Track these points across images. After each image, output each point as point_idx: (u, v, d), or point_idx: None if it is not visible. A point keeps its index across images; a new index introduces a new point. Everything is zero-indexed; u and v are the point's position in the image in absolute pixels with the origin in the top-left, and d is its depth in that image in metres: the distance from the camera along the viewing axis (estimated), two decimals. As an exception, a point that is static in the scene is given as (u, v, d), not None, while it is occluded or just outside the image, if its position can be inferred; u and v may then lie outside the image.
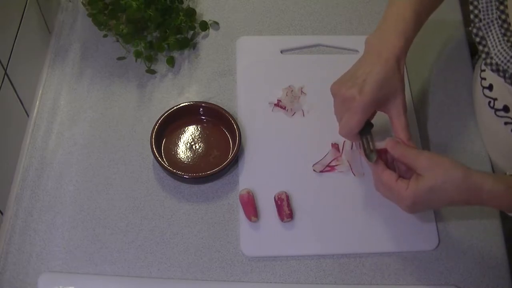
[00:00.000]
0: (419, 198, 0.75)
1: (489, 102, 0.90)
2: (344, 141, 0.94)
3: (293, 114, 0.98)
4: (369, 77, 0.80)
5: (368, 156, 0.82)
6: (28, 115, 0.96)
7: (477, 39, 0.79)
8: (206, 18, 1.09)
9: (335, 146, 0.94)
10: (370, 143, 0.83)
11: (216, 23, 1.09)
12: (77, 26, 1.07)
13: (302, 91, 1.00)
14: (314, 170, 0.92)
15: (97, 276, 0.82)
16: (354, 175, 0.92)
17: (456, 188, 0.74)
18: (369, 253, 0.85)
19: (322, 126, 0.96)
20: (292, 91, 0.99)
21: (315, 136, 0.95)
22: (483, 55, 0.79)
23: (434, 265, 0.85)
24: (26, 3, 0.94)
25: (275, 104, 0.98)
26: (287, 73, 1.02)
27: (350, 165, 0.92)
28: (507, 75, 0.75)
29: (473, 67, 1.04)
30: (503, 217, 0.89)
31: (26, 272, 0.82)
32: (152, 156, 0.91)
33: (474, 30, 0.79)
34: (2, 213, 0.86)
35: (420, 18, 0.85)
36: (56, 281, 0.81)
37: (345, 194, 0.90)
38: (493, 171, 0.93)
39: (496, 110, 0.88)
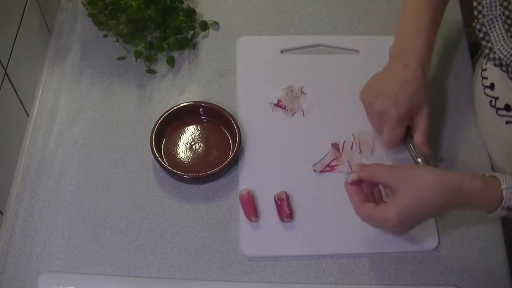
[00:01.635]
0: (403, 215, 0.74)
1: (491, 101, 0.90)
2: (344, 141, 0.94)
3: (293, 114, 0.98)
4: (402, 91, 0.86)
5: (416, 163, 0.87)
6: (28, 115, 0.96)
7: (480, 35, 0.79)
8: (206, 18, 1.09)
9: (335, 146, 0.94)
10: (415, 150, 0.88)
11: (216, 23, 1.09)
12: (77, 26, 1.07)
13: (302, 91, 1.00)
14: (314, 170, 0.92)
15: (97, 276, 0.82)
16: (354, 175, 0.92)
17: (435, 192, 0.73)
18: (369, 253, 0.85)
19: (322, 126, 0.96)
20: (292, 91, 0.99)
21: (315, 136, 0.95)
22: (486, 50, 0.79)
23: (434, 265, 0.85)
24: (26, 3, 0.94)
25: (275, 104, 0.98)
26: (287, 73, 1.02)
27: (350, 165, 0.92)
28: (510, 69, 0.75)
29: (473, 67, 1.04)
30: (503, 217, 0.89)
31: (26, 272, 0.82)
32: (152, 156, 0.91)
33: (478, 26, 0.80)
34: (2, 213, 0.87)
35: (437, 24, 0.90)
36: (56, 281, 0.81)
37: (345, 194, 0.89)
38: (493, 170, 0.93)
39: (498, 109, 0.88)
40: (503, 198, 0.72)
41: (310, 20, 1.10)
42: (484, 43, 0.79)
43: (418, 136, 0.88)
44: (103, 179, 0.91)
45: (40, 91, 0.99)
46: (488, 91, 0.90)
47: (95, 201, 0.89)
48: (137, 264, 0.84)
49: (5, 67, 0.86)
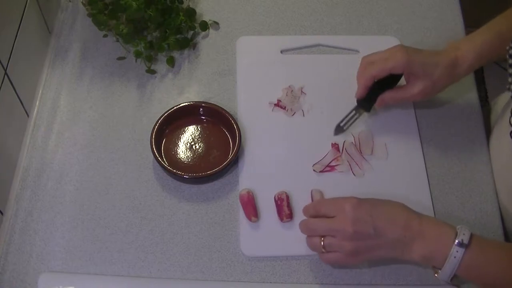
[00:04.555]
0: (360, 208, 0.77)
1: (511, 132, 0.86)
2: (344, 141, 0.94)
3: (293, 114, 0.98)
4: (424, 52, 0.88)
5: (336, 129, 0.95)
6: (28, 115, 0.96)
7: (510, 61, 0.79)
8: (206, 18, 1.09)
9: (335, 146, 0.94)
10: (351, 120, 0.95)
11: (216, 23, 1.09)
12: (77, 26, 1.07)
13: (302, 91, 1.00)
14: (314, 170, 0.92)
15: (97, 276, 0.82)
16: (354, 175, 0.92)
17: (364, 211, 0.77)
18: (369, 253, 0.85)
19: (322, 126, 0.96)
20: (292, 91, 0.99)
21: (315, 136, 0.95)
22: (510, 79, 0.79)
23: (434, 265, 0.85)
24: (26, 3, 0.94)
25: (275, 104, 0.98)
26: (287, 73, 1.02)
27: (350, 165, 0.92)
28: None
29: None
30: (503, 217, 0.89)
31: (26, 272, 0.82)
32: (152, 156, 0.91)
33: (511, 51, 0.79)
34: (2, 213, 0.87)
35: (502, 43, 0.86)
36: (56, 281, 0.81)
37: (345, 194, 0.89)
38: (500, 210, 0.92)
39: None
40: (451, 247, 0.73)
41: (310, 20, 1.10)
42: (511, 70, 0.78)
43: (388, 94, 0.91)
44: (103, 179, 0.91)
45: (40, 91, 0.99)
46: None
47: (95, 201, 0.89)
48: (137, 264, 0.84)
49: (5, 67, 0.86)
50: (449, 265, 0.73)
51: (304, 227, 0.81)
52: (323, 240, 0.78)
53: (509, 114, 0.86)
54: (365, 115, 0.96)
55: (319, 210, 0.81)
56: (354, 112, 0.95)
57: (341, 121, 0.95)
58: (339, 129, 0.95)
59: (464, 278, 0.76)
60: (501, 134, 0.91)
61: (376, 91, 0.91)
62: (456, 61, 0.87)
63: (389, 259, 0.79)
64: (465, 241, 0.73)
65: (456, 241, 0.73)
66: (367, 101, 0.93)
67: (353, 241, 0.76)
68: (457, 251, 0.72)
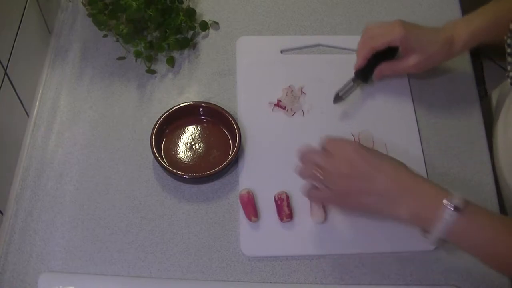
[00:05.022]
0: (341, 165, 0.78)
1: None
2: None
3: (293, 114, 0.98)
4: (422, 27, 0.94)
5: (335, 98, 0.97)
6: (28, 115, 0.96)
7: (508, 50, 0.81)
8: (206, 18, 1.09)
9: (335, 146, 0.94)
10: (349, 91, 0.97)
11: (216, 23, 1.09)
12: (77, 26, 1.07)
13: (302, 91, 1.00)
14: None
15: (97, 276, 0.82)
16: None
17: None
18: (369, 253, 0.85)
19: (322, 126, 0.96)
20: (292, 91, 0.99)
21: (315, 136, 0.95)
22: (509, 67, 0.81)
23: (434, 265, 0.85)
24: (26, 3, 0.94)
25: (275, 104, 0.98)
26: (287, 73, 1.02)
27: (350, 165, 0.92)
28: None
29: (474, 67, 1.04)
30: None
31: (26, 272, 0.82)
32: (152, 156, 0.91)
33: (508, 41, 0.82)
34: (2, 213, 0.87)
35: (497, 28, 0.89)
36: (56, 281, 0.81)
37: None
38: (499, 192, 0.93)
39: None
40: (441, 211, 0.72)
41: (310, 20, 1.10)
42: (510, 59, 0.80)
43: (385, 65, 0.96)
44: (103, 179, 0.91)
45: (40, 91, 0.99)
46: None
47: (95, 201, 0.89)
48: (137, 264, 0.84)
49: (5, 67, 0.86)
50: (440, 228, 0.72)
51: (302, 154, 0.83)
52: (317, 171, 0.79)
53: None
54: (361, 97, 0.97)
55: (322, 144, 0.82)
56: (352, 83, 0.98)
57: (340, 91, 0.97)
58: (338, 98, 0.97)
59: (452, 243, 0.74)
60: (508, 125, 0.92)
61: (374, 64, 0.97)
62: (451, 40, 0.92)
63: (378, 214, 0.81)
64: (459, 206, 0.71)
65: (450, 204, 0.71)
66: (366, 72, 0.97)
67: (345, 180, 0.77)
68: (450, 215, 0.71)
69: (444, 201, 0.72)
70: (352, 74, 0.97)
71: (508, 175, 0.91)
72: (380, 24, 0.95)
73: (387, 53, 0.95)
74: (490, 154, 0.95)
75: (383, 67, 0.97)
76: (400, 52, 0.96)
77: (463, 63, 1.05)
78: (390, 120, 0.97)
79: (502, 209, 0.91)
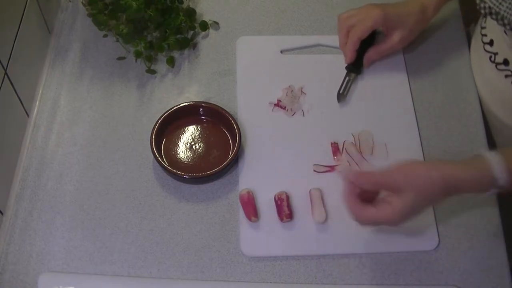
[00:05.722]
0: (407, 212, 0.75)
1: (490, 57, 0.94)
2: (344, 141, 0.94)
3: (293, 114, 0.98)
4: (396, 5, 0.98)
5: (338, 97, 0.98)
6: (28, 115, 0.96)
7: None
8: (206, 18, 1.09)
9: (335, 146, 0.94)
10: (347, 86, 0.99)
11: (216, 23, 1.09)
12: (77, 26, 1.07)
13: (302, 91, 1.00)
14: (314, 170, 0.92)
15: (97, 276, 0.82)
16: (354, 175, 0.92)
17: (439, 192, 0.74)
18: (369, 253, 0.85)
19: (322, 126, 0.96)
20: (292, 91, 0.99)
21: (315, 136, 0.95)
22: (477, 0, 0.82)
23: (434, 265, 0.85)
24: (26, 3, 0.94)
25: (275, 104, 0.98)
26: (287, 73, 1.02)
27: (350, 165, 0.92)
28: (499, 17, 0.79)
29: (467, 37, 1.08)
30: (503, 216, 0.89)
31: (26, 272, 0.82)
32: (152, 156, 0.91)
33: None
34: (2, 213, 0.87)
35: None
36: (56, 281, 0.81)
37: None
38: (488, 123, 0.99)
39: (497, 64, 0.92)
40: (494, 179, 0.74)
41: (310, 20, 1.10)
42: (477, 1, 0.81)
43: (372, 51, 0.99)
44: (103, 179, 0.91)
45: (40, 91, 0.99)
46: (487, 47, 0.95)
47: (95, 201, 0.89)
48: (137, 264, 0.84)
49: (5, 67, 0.86)
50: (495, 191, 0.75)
51: (356, 216, 0.78)
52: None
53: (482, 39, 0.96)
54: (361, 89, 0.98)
55: (382, 182, 0.78)
56: (347, 78, 1.00)
57: (340, 89, 0.99)
58: (340, 97, 0.99)
59: None
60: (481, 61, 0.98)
61: (361, 53, 0.99)
62: (424, 6, 0.97)
63: None
64: (504, 184, 0.74)
65: (496, 189, 0.74)
66: (356, 64, 1.00)
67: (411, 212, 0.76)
68: (500, 187, 0.74)
69: (491, 190, 0.75)
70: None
71: (491, 105, 0.98)
72: (352, 12, 0.98)
73: (369, 38, 0.99)
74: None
75: (371, 54, 1.00)
76: (380, 33, 1.00)
77: (463, 63, 1.05)
78: (390, 120, 0.97)
79: (499, 197, 0.91)
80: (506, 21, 0.78)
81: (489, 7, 0.79)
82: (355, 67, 1.00)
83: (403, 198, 0.74)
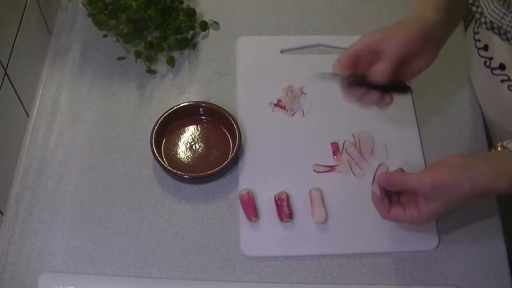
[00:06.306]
0: (433, 217, 0.77)
1: (485, 62, 0.92)
2: (344, 141, 0.94)
3: (293, 114, 0.98)
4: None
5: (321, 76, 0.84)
6: (28, 115, 0.96)
7: (470, 1, 0.80)
8: (206, 18, 1.09)
9: (335, 146, 0.94)
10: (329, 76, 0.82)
11: (216, 23, 1.09)
12: (77, 26, 1.07)
13: (302, 91, 1.00)
14: (314, 170, 0.92)
15: (97, 276, 0.82)
16: (354, 175, 0.92)
17: (466, 197, 0.75)
18: (369, 253, 0.85)
19: (322, 126, 0.96)
20: (292, 91, 0.99)
21: (315, 136, 0.95)
22: (477, 15, 0.80)
23: (434, 265, 0.85)
24: (26, 3, 0.94)
25: (275, 104, 0.98)
26: (287, 73, 1.02)
27: (350, 165, 0.92)
28: (501, 31, 0.77)
29: (465, 31, 1.06)
30: (503, 216, 0.89)
31: (26, 272, 0.82)
32: (152, 156, 0.91)
33: None
34: (2, 213, 0.87)
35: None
36: (56, 281, 0.81)
37: (345, 194, 0.90)
38: (488, 129, 0.97)
39: (492, 69, 0.91)
40: None
41: (310, 20, 1.10)
42: (474, 8, 0.80)
43: (381, 64, 0.82)
44: (103, 179, 0.91)
45: (40, 91, 0.99)
46: (482, 52, 0.93)
47: (95, 201, 0.89)
48: (137, 264, 0.84)
49: (5, 67, 0.86)
50: None
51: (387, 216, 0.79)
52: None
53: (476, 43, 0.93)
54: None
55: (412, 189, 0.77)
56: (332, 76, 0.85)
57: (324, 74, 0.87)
58: (323, 76, 0.85)
59: None
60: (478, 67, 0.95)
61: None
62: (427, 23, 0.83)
63: None
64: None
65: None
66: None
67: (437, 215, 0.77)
68: None
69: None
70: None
71: (487, 109, 0.97)
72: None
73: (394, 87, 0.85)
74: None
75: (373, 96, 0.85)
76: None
77: (463, 63, 1.05)
78: (390, 120, 0.97)
79: (499, 197, 0.91)
80: (509, 36, 0.75)
81: (491, 22, 0.77)
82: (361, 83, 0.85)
83: (430, 206, 0.75)
